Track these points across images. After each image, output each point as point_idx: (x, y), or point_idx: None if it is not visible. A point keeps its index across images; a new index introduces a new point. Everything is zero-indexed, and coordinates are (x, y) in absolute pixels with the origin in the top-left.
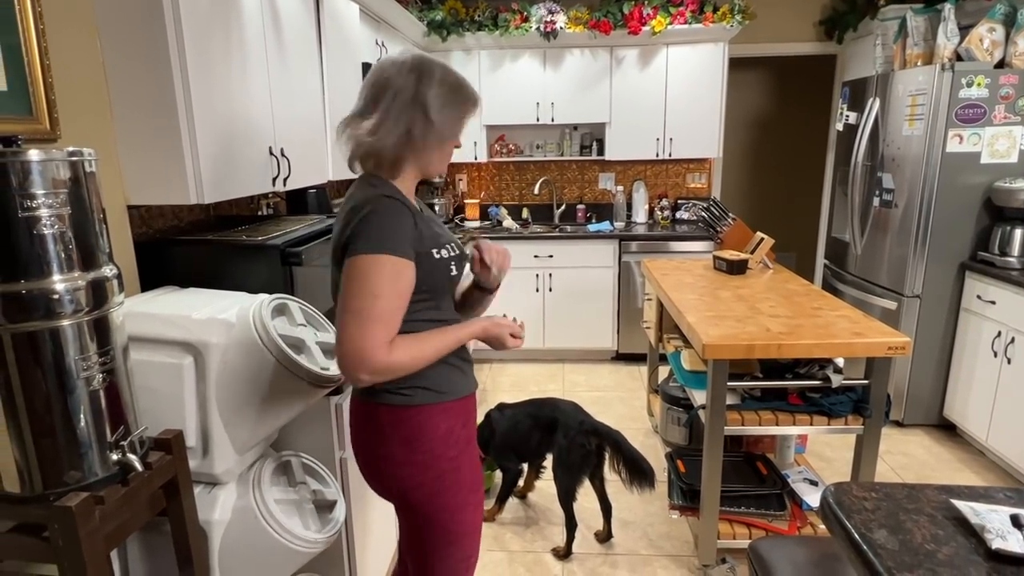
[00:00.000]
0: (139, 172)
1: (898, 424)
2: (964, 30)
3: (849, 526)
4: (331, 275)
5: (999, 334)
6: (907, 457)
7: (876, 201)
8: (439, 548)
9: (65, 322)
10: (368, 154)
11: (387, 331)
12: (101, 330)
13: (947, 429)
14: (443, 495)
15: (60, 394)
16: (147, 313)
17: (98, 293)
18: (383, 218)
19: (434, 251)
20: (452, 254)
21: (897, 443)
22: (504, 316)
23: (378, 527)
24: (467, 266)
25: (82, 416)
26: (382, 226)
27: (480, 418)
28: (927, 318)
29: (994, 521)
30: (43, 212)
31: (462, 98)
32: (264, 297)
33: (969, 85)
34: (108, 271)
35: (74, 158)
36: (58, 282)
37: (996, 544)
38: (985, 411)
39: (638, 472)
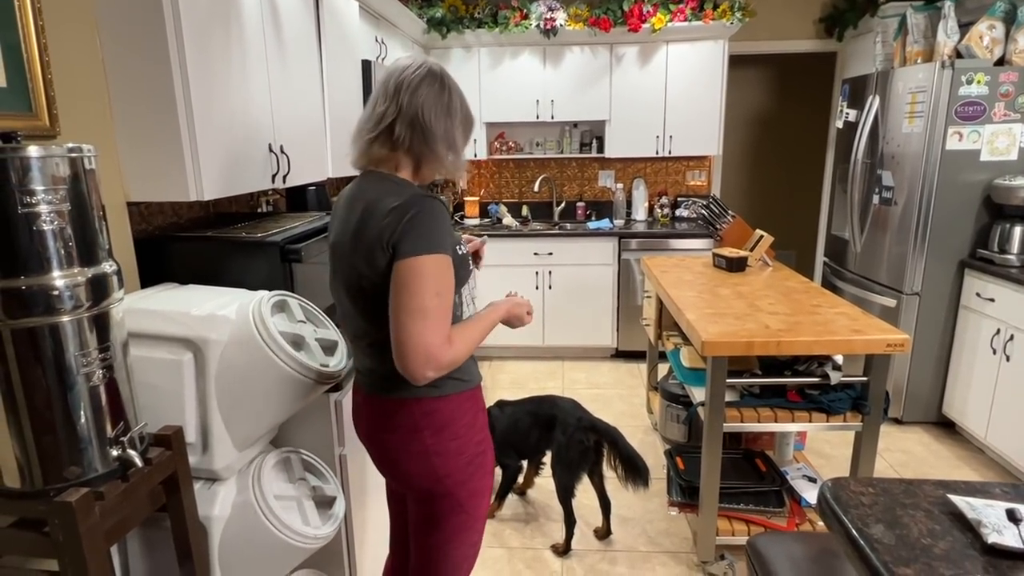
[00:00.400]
0: (139, 169)
1: (897, 421)
2: (964, 27)
3: (846, 521)
4: (347, 270)
5: (998, 331)
6: (906, 454)
7: (876, 199)
8: (459, 533)
9: (65, 318)
10: (392, 155)
11: (447, 327)
12: (101, 326)
13: (946, 426)
14: (473, 480)
15: (60, 390)
16: (147, 309)
17: (98, 289)
18: (434, 218)
19: (458, 247)
20: (466, 249)
21: (896, 440)
22: (515, 294)
23: (377, 523)
24: None
25: (82, 412)
26: (435, 226)
27: None
28: (926, 316)
29: (990, 516)
30: (43, 208)
31: (466, 103)
32: (264, 294)
33: (969, 82)
34: (108, 267)
35: (73, 154)
36: (58, 278)
37: (992, 539)
38: (984, 408)
39: (633, 470)
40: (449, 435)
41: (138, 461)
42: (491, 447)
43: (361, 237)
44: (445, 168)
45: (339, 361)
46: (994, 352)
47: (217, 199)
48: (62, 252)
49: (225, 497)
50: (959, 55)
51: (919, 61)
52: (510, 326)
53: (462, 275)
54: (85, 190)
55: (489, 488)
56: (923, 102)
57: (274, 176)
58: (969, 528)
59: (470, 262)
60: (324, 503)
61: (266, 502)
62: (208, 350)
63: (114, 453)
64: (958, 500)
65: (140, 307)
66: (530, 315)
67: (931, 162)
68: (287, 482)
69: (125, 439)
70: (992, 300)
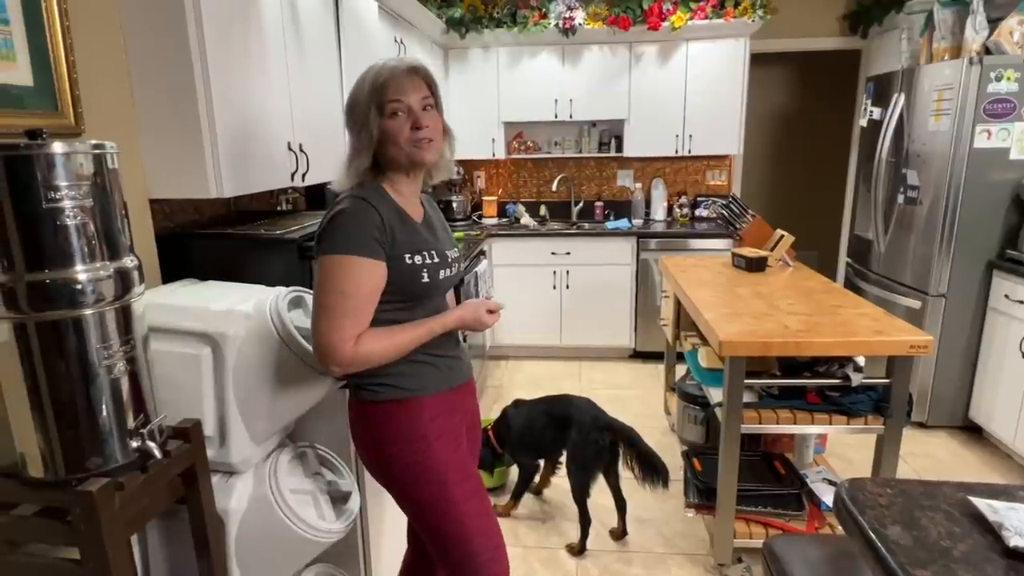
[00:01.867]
0: (160, 166)
1: (922, 426)
2: (993, 23)
3: (862, 522)
4: None
5: None
6: (930, 459)
7: (900, 198)
8: (433, 541)
9: (87, 311)
10: (348, 167)
11: (354, 326)
12: (122, 320)
13: (973, 431)
14: (415, 487)
15: (82, 382)
16: (167, 304)
17: (119, 283)
18: (348, 219)
19: (406, 256)
20: (428, 261)
21: (921, 445)
22: (482, 297)
23: (395, 518)
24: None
25: (103, 404)
26: (347, 226)
27: (497, 415)
28: (952, 318)
29: (1012, 519)
30: (66, 203)
31: (372, 77)
32: (281, 290)
33: (998, 79)
34: (129, 262)
35: (97, 151)
36: (81, 272)
37: (1014, 542)
38: (1012, 413)
39: (651, 469)
40: (385, 440)
41: (157, 453)
42: (444, 457)
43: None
44: (382, 156)
45: None
46: (1023, 356)
47: (237, 197)
48: (85, 247)
49: (242, 490)
50: (988, 51)
51: (946, 58)
52: (472, 330)
53: (408, 284)
54: (108, 186)
55: (450, 500)
56: (950, 99)
57: (293, 174)
58: (990, 531)
59: (423, 274)
60: (339, 498)
61: (282, 496)
62: (226, 345)
63: (134, 444)
64: (979, 502)
65: (161, 302)
66: (494, 313)
67: (958, 161)
68: (303, 476)
69: (145, 431)
70: (1021, 302)
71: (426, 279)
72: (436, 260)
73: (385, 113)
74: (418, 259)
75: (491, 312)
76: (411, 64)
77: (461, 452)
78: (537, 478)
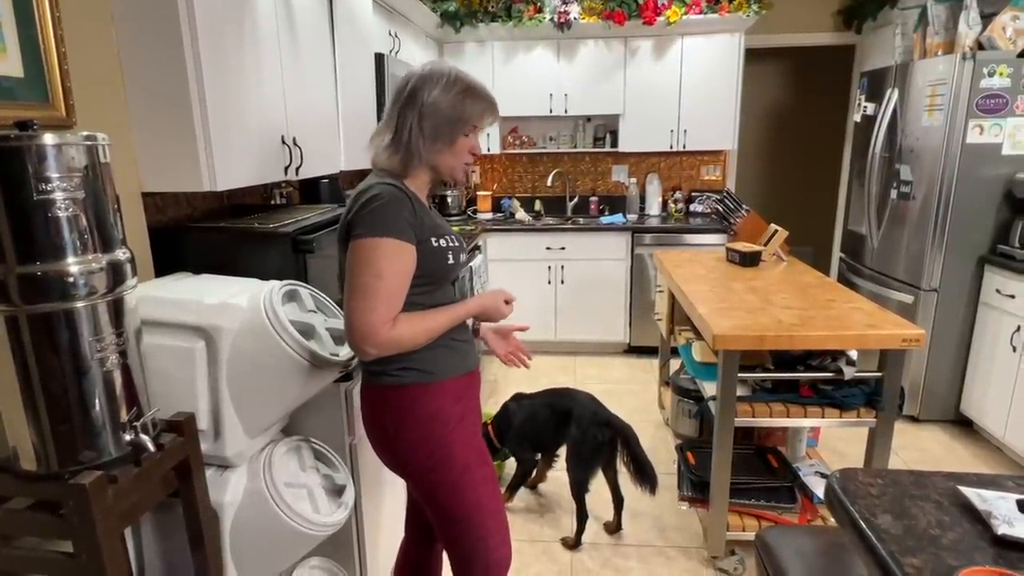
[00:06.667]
0: (153, 159)
1: (914, 419)
2: (987, 19)
3: (853, 511)
4: (338, 260)
5: (1018, 328)
6: (922, 452)
7: (893, 193)
8: (445, 525)
9: (79, 304)
10: (379, 155)
11: (390, 308)
12: (114, 313)
13: (964, 425)
14: (436, 472)
15: (75, 375)
16: (160, 298)
17: (112, 276)
18: (384, 203)
19: (432, 239)
20: (450, 244)
21: (913, 438)
22: (477, 292)
23: (392, 510)
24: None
25: (96, 397)
26: (384, 211)
27: (493, 408)
28: (945, 312)
29: (1001, 507)
30: (58, 195)
31: (480, 96)
32: (275, 283)
33: (991, 74)
34: (121, 255)
35: (88, 142)
36: (72, 264)
37: (1002, 530)
38: (1003, 407)
39: (640, 473)
40: (407, 425)
41: (150, 446)
42: (463, 442)
43: (340, 224)
44: (422, 162)
45: (349, 351)
46: (1014, 350)
47: (231, 191)
48: (77, 239)
49: (236, 484)
50: (981, 47)
51: (940, 53)
52: (489, 319)
53: (435, 267)
54: (100, 178)
55: (465, 484)
56: (943, 95)
57: (287, 168)
58: (979, 519)
59: (448, 256)
60: (334, 492)
61: (276, 489)
62: (220, 338)
63: (127, 438)
64: (968, 491)
65: (154, 295)
66: (509, 304)
67: (951, 156)
68: (298, 470)
69: (138, 424)
70: (1012, 297)
71: (451, 261)
72: (456, 244)
73: (466, 131)
74: (443, 242)
75: (507, 303)
76: (496, 102)
77: (479, 437)
78: (534, 473)
